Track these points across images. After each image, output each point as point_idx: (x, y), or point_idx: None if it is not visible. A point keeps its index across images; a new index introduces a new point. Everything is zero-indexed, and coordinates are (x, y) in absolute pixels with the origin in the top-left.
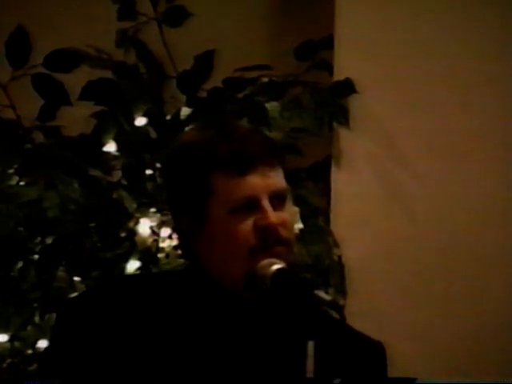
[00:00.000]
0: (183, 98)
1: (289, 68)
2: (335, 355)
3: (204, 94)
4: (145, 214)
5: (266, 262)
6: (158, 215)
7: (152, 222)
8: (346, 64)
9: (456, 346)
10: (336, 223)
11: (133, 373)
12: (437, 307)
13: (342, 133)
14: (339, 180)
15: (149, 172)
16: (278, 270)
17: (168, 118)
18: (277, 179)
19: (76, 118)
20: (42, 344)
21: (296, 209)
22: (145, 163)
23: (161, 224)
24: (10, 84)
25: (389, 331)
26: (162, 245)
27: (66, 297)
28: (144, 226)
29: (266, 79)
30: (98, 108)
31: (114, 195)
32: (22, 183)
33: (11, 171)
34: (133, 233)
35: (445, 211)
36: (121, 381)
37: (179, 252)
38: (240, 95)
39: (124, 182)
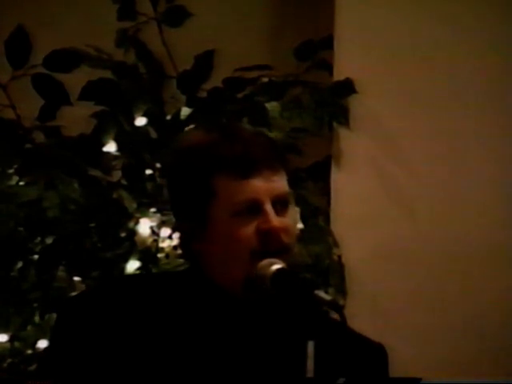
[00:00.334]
0: (183, 98)
1: (289, 68)
2: (335, 355)
3: (204, 94)
4: (145, 214)
5: (265, 262)
6: (158, 215)
7: (152, 222)
8: (345, 64)
9: (456, 347)
10: (336, 223)
11: (132, 373)
12: (437, 307)
13: (342, 133)
14: (339, 180)
15: (149, 172)
16: (278, 270)
17: (168, 118)
18: (280, 183)
19: (76, 118)
20: (42, 344)
21: (296, 209)
22: (145, 163)
23: (161, 224)
24: (10, 84)
25: (389, 331)
26: (161, 245)
27: (65, 297)
28: (144, 226)
29: (265, 79)
30: (98, 108)
31: (114, 195)
32: (21, 183)
33: (11, 171)
34: (133, 233)
35: (444, 211)
36: (120, 381)
37: (179, 252)
38: (240, 95)
39: (124, 182)
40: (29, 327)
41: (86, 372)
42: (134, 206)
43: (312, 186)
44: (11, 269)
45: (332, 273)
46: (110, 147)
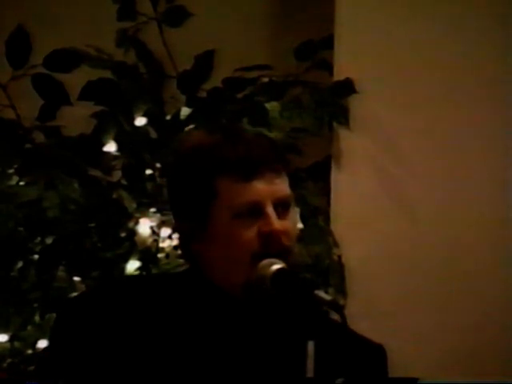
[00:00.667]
0: (183, 98)
1: (289, 68)
2: (335, 355)
3: (204, 94)
4: (145, 214)
5: (265, 262)
6: (158, 215)
7: (152, 222)
8: (345, 64)
9: (456, 347)
10: (336, 223)
11: (132, 374)
12: (437, 307)
13: (342, 133)
14: (339, 180)
15: (149, 172)
16: (278, 270)
17: (168, 118)
18: (282, 186)
19: (76, 118)
20: (42, 344)
21: (296, 209)
22: (145, 163)
23: (161, 224)
24: (10, 84)
25: (388, 331)
26: (161, 245)
27: (66, 297)
28: (144, 226)
29: (266, 79)
30: (98, 108)
31: (114, 195)
32: (21, 183)
33: (11, 171)
34: (133, 233)
35: (444, 211)
36: (119, 382)
37: (179, 252)
38: (240, 95)
39: (124, 182)
40: (29, 327)
41: (85, 372)
42: (134, 206)
43: (312, 186)
44: (11, 269)
45: (332, 273)
46: (110, 147)
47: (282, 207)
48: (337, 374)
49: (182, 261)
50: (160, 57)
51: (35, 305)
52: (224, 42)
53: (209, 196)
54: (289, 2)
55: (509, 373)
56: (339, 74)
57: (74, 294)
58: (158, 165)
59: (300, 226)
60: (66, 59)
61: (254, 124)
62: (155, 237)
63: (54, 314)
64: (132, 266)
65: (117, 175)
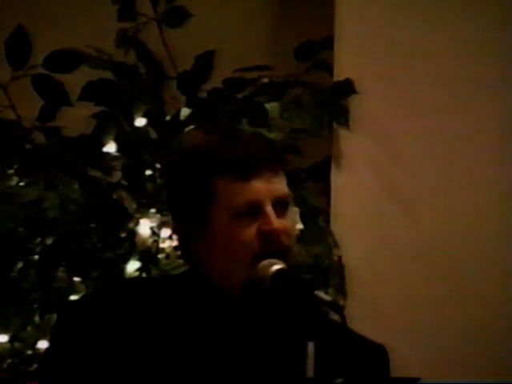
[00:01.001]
0: (183, 98)
1: (289, 68)
2: (335, 356)
3: (204, 95)
4: (145, 215)
5: (265, 262)
6: (158, 216)
7: (152, 222)
8: (345, 64)
9: (457, 347)
10: (336, 223)
11: (132, 375)
12: (437, 307)
13: (342, 133)
14: (339, 180)
15: (149, 172)
16: (278, 270)
17: (168, 118)
18: (280, 185)
19: (76, 119)
20: (42, 344)
21: (296, 209)
22: (145, 164)
23: (161, 225)
24: (10, 84)
25: (389, 332)
26: (162, 245)
27: (66, 297)
28: (144, 227)
29: (265, 80)
30: (98, 108)
31: (114, 196)
32: (21, 184)
33: (11, 171)
34: (133, 233)
35: (444, 211)
36: (121, 383)
37: (179, 253)
38: (240, 96)
39: (124, 183)
40: (29, 328)
41: (86, 374)
42: (134, 206)
43: (312, 187)
44: (11, 269)
45: (332, 273)
46: (110, 148)
47: (280, 206)
48: (337, 374)
49: (182, 261)
50: (160, 57)
51: (35, 305)
52: (224, 42)
53: (207, 197)
54: (289, 2)
55: (509, 373)
56: (339, 75)
57: (74, 294)
58: (158, 165)
59: (300, 226)
60: (66, 60)
61: (253, 125)
62: (155, 237)
63: (54, 315)
64: (132, 266)
65: (117, 176)
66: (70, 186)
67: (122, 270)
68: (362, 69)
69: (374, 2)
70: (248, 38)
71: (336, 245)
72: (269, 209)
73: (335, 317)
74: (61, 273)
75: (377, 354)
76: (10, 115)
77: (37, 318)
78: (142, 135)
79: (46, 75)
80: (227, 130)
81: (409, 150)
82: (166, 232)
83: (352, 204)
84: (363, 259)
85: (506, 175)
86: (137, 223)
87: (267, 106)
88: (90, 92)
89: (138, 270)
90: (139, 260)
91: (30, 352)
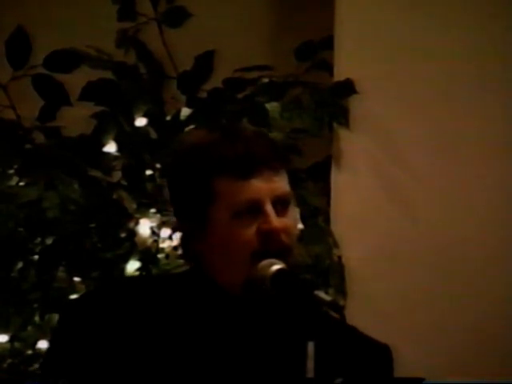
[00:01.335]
0: (183, 98)
1: (289, 68)
2: (336, 356)
3: (204, 95)
4: (145, 215)
5: (265, 262)
6: (158, 216)
7: (152, 222)
8: (346, 64)
9: (457, 347)
10: (336, 223)
11: (134, 374)
12: (437, 307)
13: (342, 133)
14: (339, 180)
15: (149, 172)
16: (278, 270)
17: (168, 118)
18: (281, 184)
19: (76, 119)
20: (42, 344)
21: (296, 209)
22: (145, 164)
23: (161, 224)
24: (10, 84)
25: (389, 332)
26: (162, 245)
27: (66, 297)
28: (144, 227)
29: (266, 79)
30: (98, 108)
31: (114, 196)
32: (21, 183)
33: (11, 171)
34: (133, 233)
35: (444, 211)
36: (122, 382)
37: (179, 252)
38: (240, 96)
39: (124, 183)
40: (29, 327)
41: (87, 373)
42: (134, 206)
43: (312, 186)
44: (11, 269)
45: (332, 273)
46: (110, 148)
47: (281, 205)
48: (338, 374)
49: (181, 261)
50: (160, 57)
51: (35, 305)
52: (224, 42)
53: (207, 196)
54: (289, 3)
55: (509, 373)
56: (339, 75)
57: (74, 294)
58: (158, 165)
59: (300, 226)
60: (66, 60)
61: (254, 125)
62: (155, 237)
63: (54, 315)
64: (132, 266)
65: (117, 176)
66: (70, 186)
67: (122, 269)
68: (362, 69)
69: (374, 2)
70: (248, 38)
71: (336, 245)
72: (269, 208)
73: (335, 316)
74: (61, 273)
75: (381, 353)
76: (10, 115)
77: (37, 318)
78: (142, 135)
79: (46, 75)
80: (228, 128)
81: (409, 149)
82: (165, 232)
83: (352, 204)
84: (363, 259)
85: (506, 175)
86: (137, 223)
87: (267, 105)
88: (90, 92)
89: (138, 269)
90: (139, 260)
91: (30, 352)
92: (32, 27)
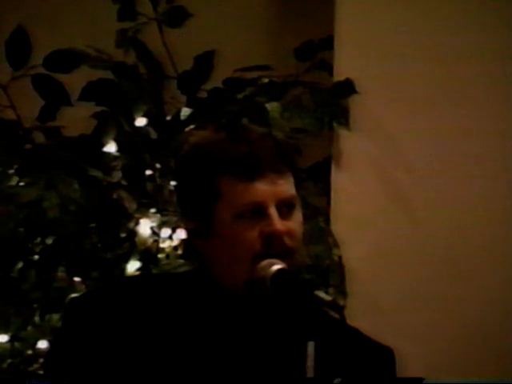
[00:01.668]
0: (183, 98)
1: (289, 68)
2: (336, 356)
3: (204, 95)
4: (145, 215)
5: (266, 262)
6: (158, 216)
7: (152, 222)
8: (346, 64)
9: (457, 347)
10: (336, 223)
11: (137, 371)
12: (437, 307)
13: (342, 133)
14: (339, 180)
15: (149, 172)
16: (278, 270)
17: (168, 118)
18: (285, 187)
19: (76, 119)
20: (42, 344)
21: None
22: (145, 164)
23: (161, 224)
24: (10, 84)
25: (389, 331)
26: (162, 245)
27: (66, 297)
28: (144, 227)
29: (266, 80)
30: (99, 108)
31: (114, 196)
32: (21, 184)
33: (11, 171)
34: (133, 233)
35: (445, 211)
36: (125, 380)
37: (179, 252)
38: (240, 96)
39: (124, 183)
40: (29, 328)
41: (90, 370)
42: (134, 206)
43: (312, 187)
44: (11, 269)
45: (332, 273)
46: (110, 148)
47: (285, 207)
48: (337, 374)
49: (182, 261)
50: (160, 57)
51: (35, 305)
52: (224, 42)
53: (212, 195)
54: (289, 2)
55: (509, 373)
56: (339, 75)
57: (74, 294)
58: (158, 165)
59: None
60: (66, 60)
61: (254, 124)
62: (155, 237)
63: (54, 315)
64: (132, 266)
65: (117, 176)
66: (70, 186)
67: (122, 270)
68: (362, 69)
69: (374, 2)
70: (248, 38)
71: (336, 245)
72: (272, 210)
73: (335, 316)
74: (61, 273)
75: (384, 356)
76: (10, 115)
77: (37, 318)
78: (142, 135)
79: (46, 75)
80: (234, 129)
81: (409, 150)
82: (166, 232)
83: (352, 204)
84: (363, 259)
85: (506, 175)
86: (137, 223)
87: (267, 105)
88: (90, 92)
89: (139, 269)
90: (139, 260)
91: (30, 352)
92: (32, 27)
